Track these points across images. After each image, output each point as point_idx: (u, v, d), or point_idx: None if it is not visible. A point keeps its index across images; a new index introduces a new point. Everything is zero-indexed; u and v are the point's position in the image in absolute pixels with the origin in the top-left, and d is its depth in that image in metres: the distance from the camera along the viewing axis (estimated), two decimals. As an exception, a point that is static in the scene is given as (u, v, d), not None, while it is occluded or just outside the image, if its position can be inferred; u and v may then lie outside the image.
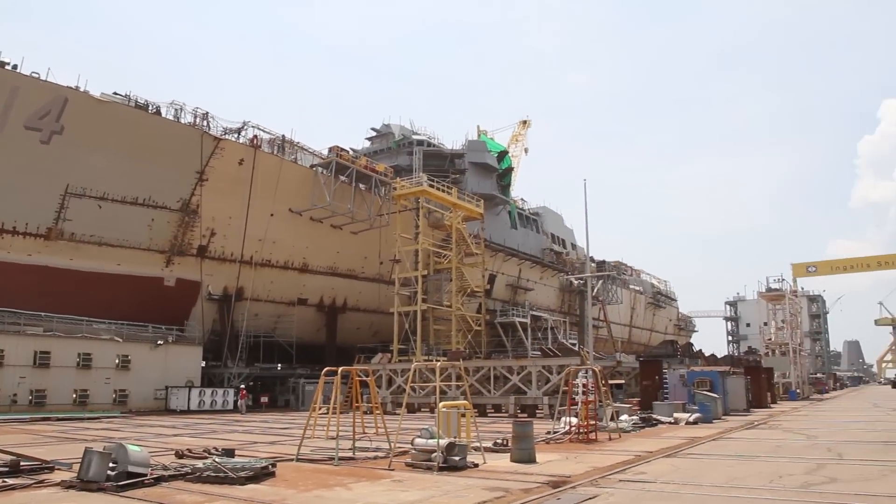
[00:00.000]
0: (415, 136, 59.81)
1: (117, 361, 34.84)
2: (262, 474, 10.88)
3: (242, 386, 37.33)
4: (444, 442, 12.17)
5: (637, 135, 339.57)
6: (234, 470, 10.68)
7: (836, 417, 28.69)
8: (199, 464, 11.52)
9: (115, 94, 35.50)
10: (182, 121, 37.24)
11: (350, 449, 14.26)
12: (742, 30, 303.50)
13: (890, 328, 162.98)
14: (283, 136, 42.50)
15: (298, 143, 43.68)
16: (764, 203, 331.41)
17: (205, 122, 37.95)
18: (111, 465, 10.28)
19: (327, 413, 15.31)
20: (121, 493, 9.55)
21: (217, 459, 11.64)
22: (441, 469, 11.65)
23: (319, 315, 47.08)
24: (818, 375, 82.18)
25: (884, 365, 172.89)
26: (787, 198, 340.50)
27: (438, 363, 16.77)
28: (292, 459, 13.35)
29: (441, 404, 13.99)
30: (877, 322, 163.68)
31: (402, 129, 62.08)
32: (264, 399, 40.82)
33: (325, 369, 14.48)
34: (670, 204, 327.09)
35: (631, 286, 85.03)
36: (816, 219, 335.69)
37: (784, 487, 9.90)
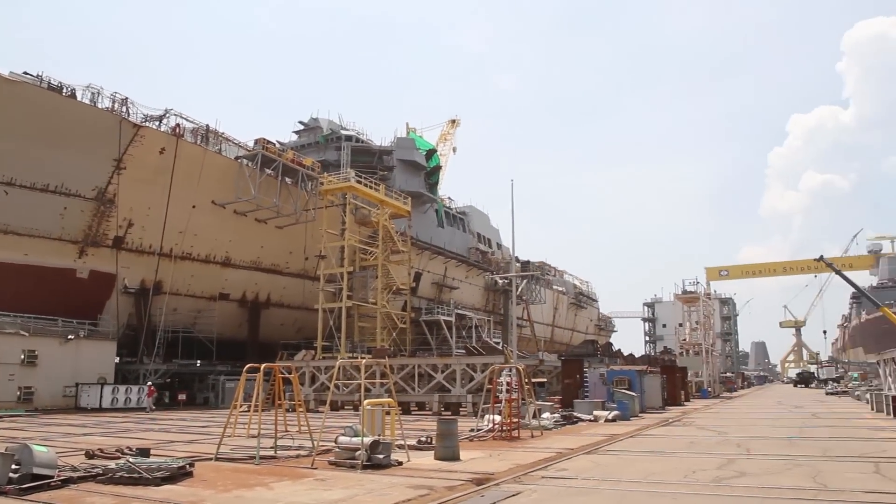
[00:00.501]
0: (343, 132, 59.18)
1: (23, 357, 32.97)
2: (179, 474, 10.51)
3: (150, 383, 35.95)
4: (368, 440, 12.06)
5: (563, 138, 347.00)
6: (149, 470, 10.28)
7: (744, 414, 30.05)
8: (112, 464, 11.04)
9: (26, 73, 33.62)
10: (99, 105, 35.62)
11: (272, 447, 13.96)
12: (664, 41, 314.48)
13: (793, 330, 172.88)
14: (208, 125, 41.27)
15: (223, 133, 42.52)
16: (682, 208, 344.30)
17: (124, 108, 36.41)
18: (14, 466, 9.73)
19: (248, 411, 14.93)
20: (24, 497, 9.04)
21: (131, 459, 11.17)
22: (365, 467, 11.55)
23: (242, 310, 45.96)
24: (728, 374, 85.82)
25: (787, 364, 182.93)
26: (704, 204, 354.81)
27: (363, 360, 16.62)
28: (211, 459, 12.97)
29: (365, 402, 13.87)
30: (781, 324, 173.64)
31: (331, 124, 61.28)
32: (182, 396, 39.52)
33: (247, 366, 14.13)
34: (594, 207, 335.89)
35: (554, 286, 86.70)
36: (730, 225, 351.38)
37: (697, 482, 10.28)
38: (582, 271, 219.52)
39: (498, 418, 18.24)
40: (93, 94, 35.44)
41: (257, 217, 42.84)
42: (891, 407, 25.72)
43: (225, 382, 39.94)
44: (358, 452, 11.89)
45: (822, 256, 66.34)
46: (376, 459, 11.86)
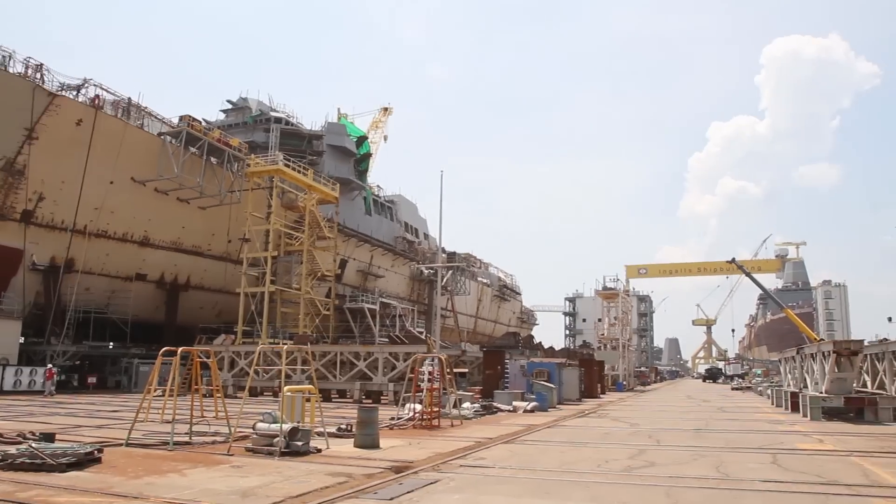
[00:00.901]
0: (273, 113, 57.86)
1: (-83, 334, 30.87)
2: (86, 460, 10.09)
3: (50, 365, 34.16)
4: (286, 427, 11.89)
5: (494, 132, 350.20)
6: (54, 456, 9.82)
7: (656, 408, 31.19)
8: (12, 450, 10.49)
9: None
10: (11, 70, 33.59)
11: (187, 433, 13.58)
12: (600, 43, 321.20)
13: (704, 328, 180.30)
14: (129, 98, 39.56)
15: (146, 108, 40.83)
16: (608, 207, 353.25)
17: (38, 75, 34.43)
18: None
19: (163, 395, 14.47)
20: (-86, 482, 8.48)
21: (34, 444, 10.64)
22: (283, 454, 11.39)
23: (159, 292, 44.41)
24: (642, 369, 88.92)
25: (697, 361, 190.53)
26: (628, 203, 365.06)
27: (284, 346, 16.36)
28: (122, 444, 12.51)
29: (285, 388, 13.66)
30: (694, 322, 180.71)
31: (260, 105, 59.81)
32: (92, 380, 37.90)
33: (164, 349, 13.66)
34: (522, 201, 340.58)
35: (479, 278, 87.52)
36: (650, 225, 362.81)
37: (610, 471, 10.63)
38: (507, 264, 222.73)
39: (419, 407, 18.32)
40: (3, 57, 33.38)
41: (179, 196, 41.43)
42: (789, 402, 27.22)
43: (139, 366, 38.57)
44: (276, 439, 11.71)
45: (733, 259, 69.86)
46: (295, 446, 11.71)
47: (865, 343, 25.32)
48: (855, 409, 22.25)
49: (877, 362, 23.99)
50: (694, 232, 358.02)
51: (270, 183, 44.42)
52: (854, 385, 23.36)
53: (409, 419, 18.00)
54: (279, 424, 11.95)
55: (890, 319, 63.55)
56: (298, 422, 13.23)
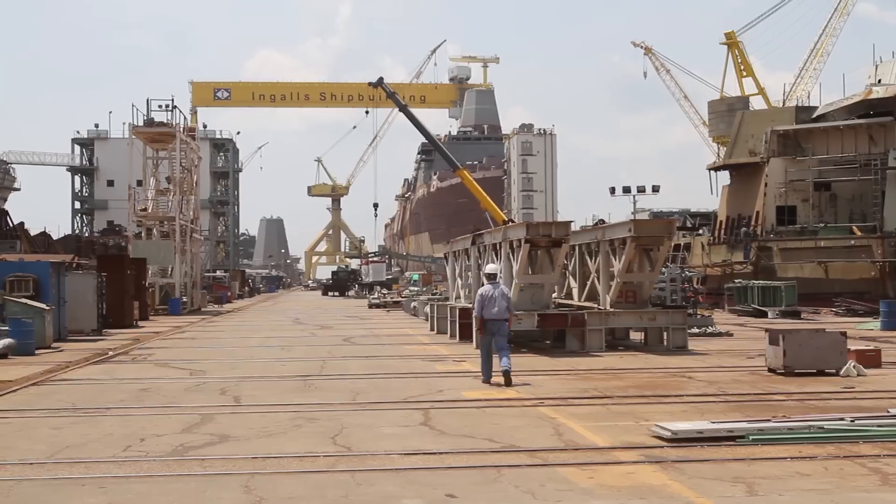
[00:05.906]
0: None
1: None
2: None
3: None
4: None
5: None
6: None
7: (239, 341, 32.86)
8: None
9: None
10: None
11: None
12: None
13: (328, 201, 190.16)
14: None
15: None
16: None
17: None
18: None
19: None
20: None
21: None
22: None
23: None
24: (219, 275, 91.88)
25: (315, 259, 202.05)
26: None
27: None
28: None
29: None
30: (311, 191, 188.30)
31: None
32: None
33: None
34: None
35: None
36: (236, 13, 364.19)
37: (148, 455, 11.06)
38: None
39: None
40: None
41: None
42: (457, 325, 30.39)
43: None
44: None
45: (381, 80, 74.02)
46: None
47: (575, 228, 29.19)
48: (554, 333, 25.80)
49: (588, 258, 27.91)
50: (314, 28, 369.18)
51: None
52: (555, 295, 26.90)
53: None
54: None
55: (613, 191, 72.97)
56: None
